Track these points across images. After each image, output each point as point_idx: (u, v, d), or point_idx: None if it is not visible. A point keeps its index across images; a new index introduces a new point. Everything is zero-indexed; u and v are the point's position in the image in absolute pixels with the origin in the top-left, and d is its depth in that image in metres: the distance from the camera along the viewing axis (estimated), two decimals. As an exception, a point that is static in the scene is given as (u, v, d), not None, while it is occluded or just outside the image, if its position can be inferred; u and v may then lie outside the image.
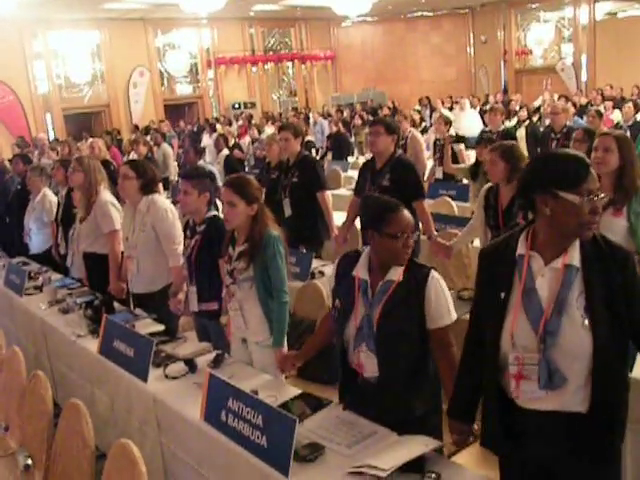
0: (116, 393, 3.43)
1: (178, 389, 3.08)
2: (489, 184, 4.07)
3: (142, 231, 4.11)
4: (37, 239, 5.86)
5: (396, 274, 2.55)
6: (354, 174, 9.66)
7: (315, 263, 4.95)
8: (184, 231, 3.89)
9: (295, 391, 2.95)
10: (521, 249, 2.01)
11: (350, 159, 11.32)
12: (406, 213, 2.56)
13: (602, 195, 1.91)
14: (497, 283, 2.05)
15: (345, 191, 8.73)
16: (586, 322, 1.89)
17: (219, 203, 3.89)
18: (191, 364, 3.24)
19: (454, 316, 2.57)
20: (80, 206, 4.77)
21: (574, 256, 1.94)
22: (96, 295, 4.37)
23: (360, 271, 2.62)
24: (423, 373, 2.58)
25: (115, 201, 4.70)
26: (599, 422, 1.94)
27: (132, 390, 3.25)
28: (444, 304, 2.53)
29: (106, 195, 4.71)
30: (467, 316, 3.53)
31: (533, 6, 20.63)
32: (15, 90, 15.90)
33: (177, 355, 3.38)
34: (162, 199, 4.28)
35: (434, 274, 2.55)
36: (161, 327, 3.84)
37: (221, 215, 3.50)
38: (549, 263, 1.96)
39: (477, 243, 5.21)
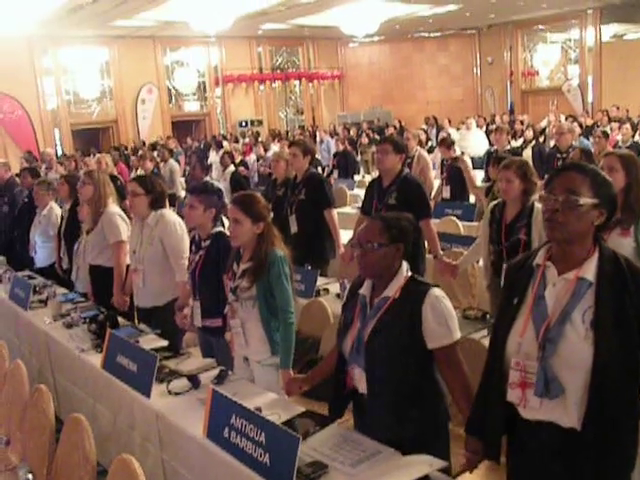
0: (118, 408, 3.41)
1: (181, 405, 3.05)
2: (497, 200, 4.08)
3: (150, 244, 4.12)
4: (42, 253, 5.87)
5: (392, 290, 2.50)
6: (360, 192, 9.71)
7: (320, 281, 4.94)
8: (189, 246, 3.88)
9: (299, 409, 2.92)
10: (539, 259, 2.04)
11: (356, 177, 11.37)
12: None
13: (558, 197, 1.92)
14: (514, 291, 2.08)
15: (351, 209, 8.75)
16: (590, 335, 1.88)
17: (226, 220, 3.90)
18: (194, 380, 3.22)
19: (457, 335, 2.49)
20: (87, 219, 4.79)
21: (589, 270, 1.95)
22: (100, 310, 4.37)
23: (364, 288, 2.61)
24: (419, 394, 2.49)
25: (123, 213, 4.72)
26: (592, 442, 1.90)
27: (135, 405, 3.23)
28: (444, 322, 2.43)
29: (114, 207, 4.74)
30: (473, 335, 3.57)
31: (540, 27, 20.78)
32: (24, 105, 16.07)
33: (180, 371, 3.36)
34: (171, 213, 4.30)
35: (433, 291, 2.47)
36: (165, 343, 3.82)
37: (227, 232, 3.50)
38: (563, 274, 1.98)
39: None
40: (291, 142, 5.64)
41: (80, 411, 2.97)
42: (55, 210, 5.87)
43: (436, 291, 2.49)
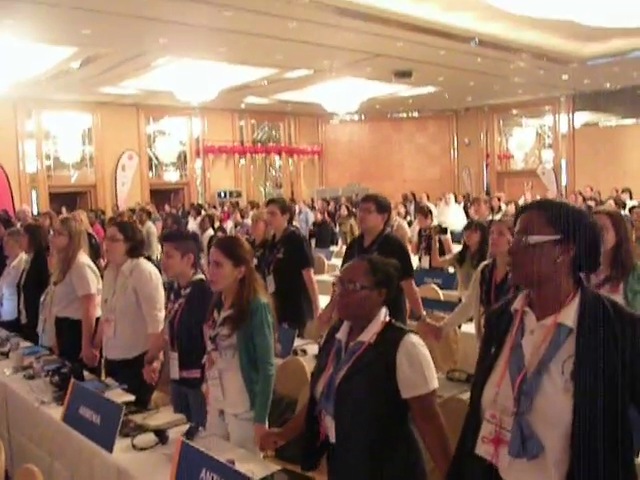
0: (77, 465, 3.15)
1: (146, 461, 2.83)
2: (486, 262, 4.05)
3: (123, 293, 3.96)
4: (9, 305, 5.60)
5: (368, 335, 2.37)
6: (337, 262, 9.64)
7: (297, 342, 4.80)
8: (168, 294, 3.72)
9: (274, 467, 2.73)
10: (517, 304, 1.88)
11: (334, 248, 11.31)
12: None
13: (524, 238, 1.80)
14: (493, 339, 1.92)
15: (328, 277, 8.64)
16: (569, 387, 1.69)
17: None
18: (162, 435, 3.00)
19: (433, 384, 2.33)
20: (56, 268, 4.61)
21: (568, 315, 1.77)
22: (65, 363, 4.13)
23: (341, 332, 2.48)
24: (390, 446, 2.31)
25: (92, 265, 4.55)
26: None
27: (95, 461, 2.99)
28: (419, 370, 2.28)
29: (84, 258, 4.57)
30: (459, 396, 3.42)
31: (514, 112, 21.46)
32: (3, 165, 15.98)
33: (147, 425, 3.15)
34: (146, 263, 4.14)
35: (409, 337, 2.33)
36: (131, 397, 3.60)
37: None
38: (541, 320, 1.81)
39: (465, 328, 5.08)
40: (269, 200, 5.59)
41: (35, 468, 2.72)
42: (24, 262, 5.66)
43: (412, 337, 2.35)
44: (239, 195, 20.22)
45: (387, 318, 2.45)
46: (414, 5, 10.16)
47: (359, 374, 2.32)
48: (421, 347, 2.34)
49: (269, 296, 3.24)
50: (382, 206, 4.60)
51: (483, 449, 1.82)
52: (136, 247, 4.09)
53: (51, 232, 5.36)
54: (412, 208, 15.19)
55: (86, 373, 4.00)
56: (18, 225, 10.13)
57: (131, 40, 11.30)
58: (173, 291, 3.64)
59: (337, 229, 12.88)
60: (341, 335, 2.47)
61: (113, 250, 4.03)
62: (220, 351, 3.07)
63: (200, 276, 3.61)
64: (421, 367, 2.30)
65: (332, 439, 2.40)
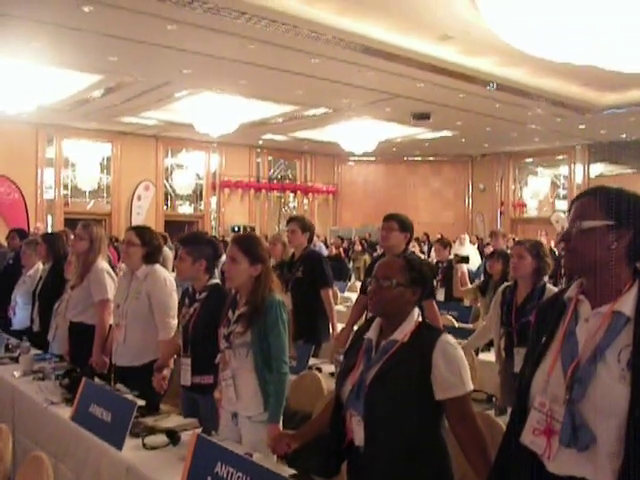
0: (84, 466, 3.04)
1: (157, 459, 2.73)
2: (507, 283, 3.99)
3: (135, 299, 3.89)
4: (22, 314, 5.56)
5: (401, 334, 2.30)
6: (352, 296, 9.57)
7: (313, 361, 4.73)
8: (182, 299, 3.66)
9: (289, 471, 2.61)
10: (571, 292, 1.82)
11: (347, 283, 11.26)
12: None
13: (577, 224, 1.73)
14: (543, 329, 1.84)
15: (342, 308, 8.57)
16: (626, 376, 1.61)
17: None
18: (173, 436, 2.90)
19: (470, 386, 2.25)
20: (74, 273, 4.55)
21: (626, 303, 1.70)
22: (76, 369, 4.05)
23: (371, 331, 2.41)
24: (423, 450, 2.22)
25: (111, 270, 4.51)
26: None
27: (103, 460, 2.89)
28: (456, 371, 2.21)
29: (103, 263, 4.52)
30: (484, 413, 3.31)
31: (530, 160, 21.53)
32: (22, 189, 16.14)
33: (158, 426, 3.05)
34: (162, 269, 4.09)
35: (446, 337, 2.27)
36: (142, 402, 3.50)
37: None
38: (597, 308, 1.74)
39: (482, 356, 4.98)
40: (289, 218, 5.56)
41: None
42: (41, 271, 5.63)
43: (449, 337, 2.29)
44: (253, 230, 20.21)
45: (420, 318, 2.38)
46: (436, 46, 10.29)
47: (392, 372, 2.25)
48: (458, 348, 2.29)
49: (285, 295, 3.18)
50: (404, 225, 4.55)
51: (531, 440, 1.73)
52: (152, 253, 4.04)
53: (71, 237, 5.35)
54: (426, 248, 15.15)
55: (96, 379, 3.90)
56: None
57: (155, 69, 11.47)
58: (188, 295, 3.59)
59: (350, 265, 12.86)
60: (371, 334, 2.40)
61: (130, 255, 3.98)
62: (234, 350, 3.00)
63: (216, 281, 3.56)
64: (458, 368, 2.23)
65: (358, 442, 2.29)
